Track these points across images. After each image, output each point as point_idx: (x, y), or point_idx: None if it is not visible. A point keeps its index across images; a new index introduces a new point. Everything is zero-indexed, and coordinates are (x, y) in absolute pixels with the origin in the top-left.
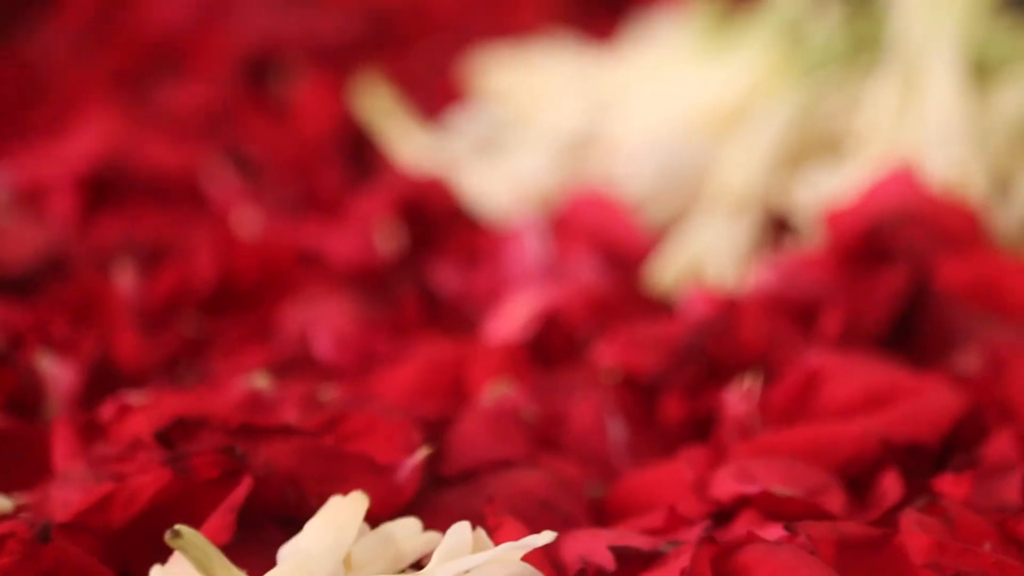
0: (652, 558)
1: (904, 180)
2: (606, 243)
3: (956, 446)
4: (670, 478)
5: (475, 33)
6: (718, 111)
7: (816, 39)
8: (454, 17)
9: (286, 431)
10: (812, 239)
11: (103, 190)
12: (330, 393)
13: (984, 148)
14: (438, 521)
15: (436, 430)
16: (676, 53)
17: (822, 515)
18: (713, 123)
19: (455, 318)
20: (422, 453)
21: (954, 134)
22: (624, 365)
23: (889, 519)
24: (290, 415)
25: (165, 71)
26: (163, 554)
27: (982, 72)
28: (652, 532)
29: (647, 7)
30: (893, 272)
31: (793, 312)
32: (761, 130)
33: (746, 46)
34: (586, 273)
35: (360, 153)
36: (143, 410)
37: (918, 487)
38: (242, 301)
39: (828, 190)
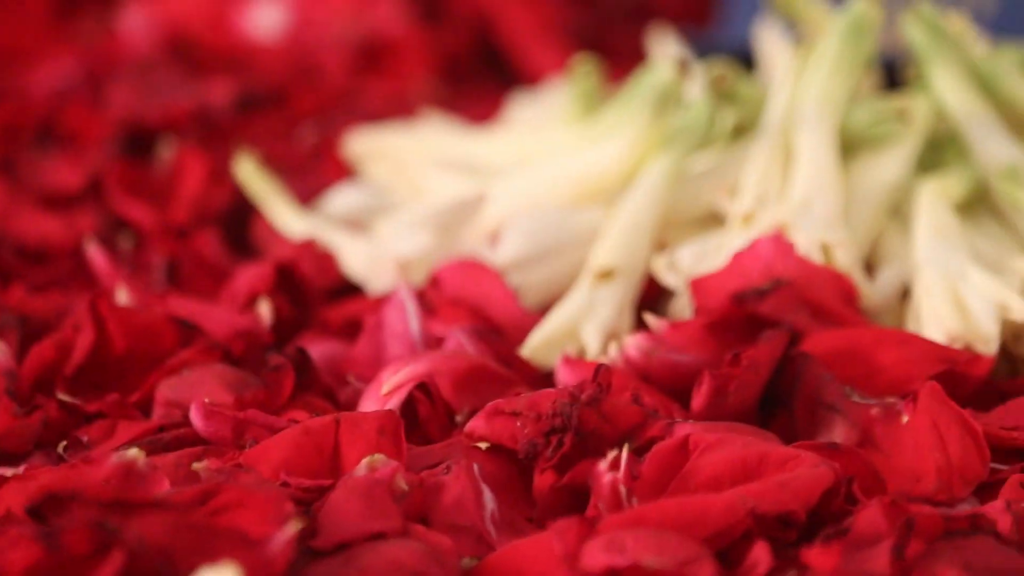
0: None
1: (774, 248)
2: (482, 314)
3: (825, 517)
4: (541, 550)
5: (357, 110)
6: (594, 184)
7: (689, 111)
8: (337, 94)
9: (158, 505)
10: (685, 309)
11: None
12: (204, 466)
13: (853, 220)
14: None
15: (309, 502)
16: (553, 128)
17: None
18: (590, 196)
19: (331, 389)
20: (294, 526)
21: (823, 206)
22: (496, 436)
23: None
24: (163, 488)
25: (46, 143)
26: None
27: (854, 146)
28: None
29: (530, 85)
30: (763, 341)
31: (665, 382)
32: (633, 202)
33: (621, 120)
34: (461, 344)
35: (239, 226)
36: (14, 484)
37: (787, 558)
38: (120, 373)
39: (702, 260)
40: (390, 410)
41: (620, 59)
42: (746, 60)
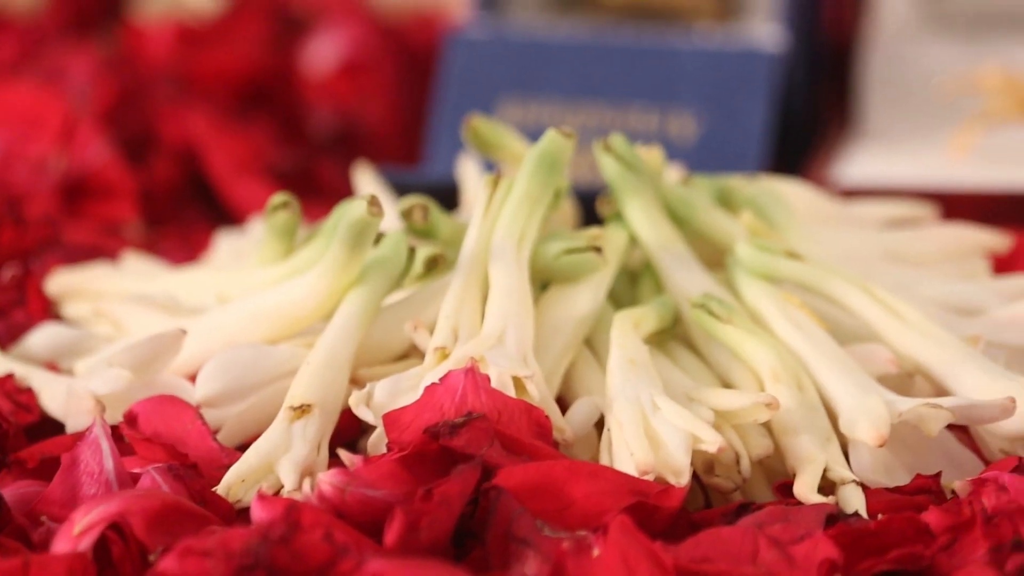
0: None
1: (467, 382)
2: (178, 451)
3: None
4: None
5: (60, 247)
6: (290, 320)
7: (382, 246)
8: (40, 231)
9: None
10: (380, 444)
11: None
12: None
13: (545, 352)
14: None
15: None
16: (251, 264)
17: None
18: (286, 332)
19: (25, 530)
20: None
21: (515, 339)
22: (188, 575)
23: None
24: None
25: None
26: None
27: (547, 278)
28: None
29: (237, 222)
30: (455, 475)
31: (359, 517)
32: (328, 337)
33: (316, 256)
34: (156, 482)
35: None
36: None
37: None
38: None
39: (398, 395)
40: (80, 552)
41: (328, 196)
42: (451, 195)
